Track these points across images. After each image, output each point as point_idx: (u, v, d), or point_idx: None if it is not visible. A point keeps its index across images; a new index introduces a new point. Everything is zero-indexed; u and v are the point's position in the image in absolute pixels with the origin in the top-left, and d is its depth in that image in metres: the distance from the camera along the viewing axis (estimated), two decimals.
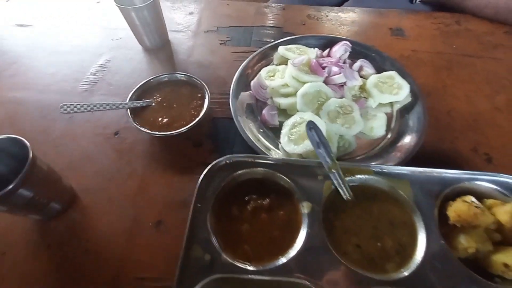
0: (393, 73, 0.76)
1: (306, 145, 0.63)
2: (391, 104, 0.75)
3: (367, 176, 0.57)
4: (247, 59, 0.81)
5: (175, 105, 0.72)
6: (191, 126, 0.67)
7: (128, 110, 0.69)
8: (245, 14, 1.01)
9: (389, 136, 0.70)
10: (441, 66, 0.85)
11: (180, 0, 1.06)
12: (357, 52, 0.83)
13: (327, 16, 1.01)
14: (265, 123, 0.73)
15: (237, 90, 0.76)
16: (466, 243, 0.50)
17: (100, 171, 0.65)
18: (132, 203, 0.61)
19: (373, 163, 0.63)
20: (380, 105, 0.75)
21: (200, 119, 0.68)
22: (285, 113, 0.73)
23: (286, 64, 0.77)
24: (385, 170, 0.57)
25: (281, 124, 0.69)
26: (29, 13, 1.03)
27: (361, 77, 0.78)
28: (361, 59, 0.80)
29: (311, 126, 0.58)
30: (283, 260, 0.49)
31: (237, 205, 0.55)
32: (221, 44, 0.92)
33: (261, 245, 0.52)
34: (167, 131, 0.66)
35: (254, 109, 0.75)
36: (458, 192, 0.56)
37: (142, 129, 0.67)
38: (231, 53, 0.89)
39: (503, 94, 0.79)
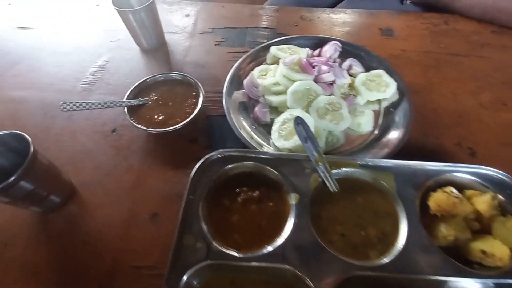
0: (380, 72, 0.79)
1: (295, 140, 0.65)
2: (379, 101, 0.78)
3: (352, 169, 0.60)
4: (240, 59, 0.84)
5: (170, 103, 0.75)
6: (185, 123, 0.70)
7: (125, 108, 0.72)
8: (240, 16, 1.04)
9: (376, 132, 0.73)
10: (429, 64, 0.88)
11: (177, 2, 1.09)
12: (347, 51, 0.86)
13: (319, 17, 1.04)
14: (257, 120, 0.76)
15: (231, 89, 0.79)
16: (445, 232, 0.53)
17: (98, 166, 0.68)
18: (129, 196, 0.63)
19: (358, 157, 0.65)
20: (368, 102, 0.77)
21: (194, 116, 0.71)
22: (276, 110, 0.76)
23: (278, 64, 0.80)
24: (369, 163, 0.60)
25: (272, 121, 0.72)
26: (30, 15, 1.06)
27: (350, 75, 0.80)
28: (350, 58, 0.83)
29: (299, 121, 0.60)
30: (270, 248, 0.51)
31: (228, 197, 0.58)
32: (216, 45, 0.95)
33: (250, 234, 0.54)
34: (162, 128, 0.69)
35: (247, 107, 0.78)
36: (439, 183, 0.58)
37: (139, 126, 0.69)
38: (226, 54, 0.92)
39: (488, 92, 0.81)
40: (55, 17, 1.06)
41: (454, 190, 0.56)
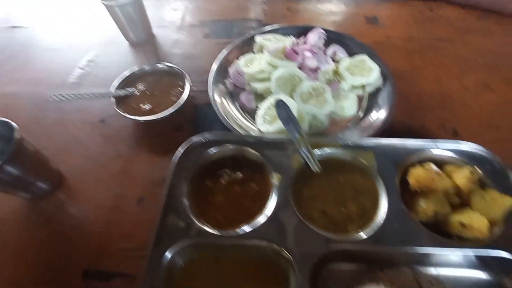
0: (364, 57, 0.80)
1: (279, 125, 0.66)
2: (363, 86, 0.79)
3: (334, 149, 0.61)
4: (226, 49, 0.85)
5: (157, 93, 0.76)
6: (171, 111, 0.71)
7: (113, 98, 0.74)
8: (228, 8, 1.06)
9: (360, 115, 0.74)
10: (413, 50, 0.89)
11: None
12: (332, 39, 0.87)
13: (305, 8, 1.05)
14: (243, 107, 0.77)
15: (217, 78, 0.80)
16: (425, 206, 0.53)
17: (87, 155, 0.69)
18: (116, 182, 0.65)
19: (340, 137, 0.66)
20: (353, 87, 0.78)
21: (180, 105, 0.72)
22: (262, 97, 0.77)
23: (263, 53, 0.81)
24: (350, 143, 0.61)
25: (258, 108, 0.73)
26: (22, 13, 1.08)
27: (335, 62, 0.82)
28: (334, 45, 0.84)
29: (280, 104, 0.61)
30: (253, 226, 0.52)
31: (212, 179, 0.59)
32: (204, 37, 0.96)
33: (233, 214, 0.55)
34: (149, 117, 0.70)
35: (233, 94, 0.79)
36: (419, 160, 0.59)
37: (126, 115, 0.71)
38: (214, 45, 0.93)
39: (472, 75, 0.82)
40: (45, 15, 1.08)
41: (433, 166, 0.57)
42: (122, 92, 0.75)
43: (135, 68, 0.79)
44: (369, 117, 0.72)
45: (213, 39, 0.95)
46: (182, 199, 0.55)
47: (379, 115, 0.71)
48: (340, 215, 0.54)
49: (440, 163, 0.59)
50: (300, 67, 0.78)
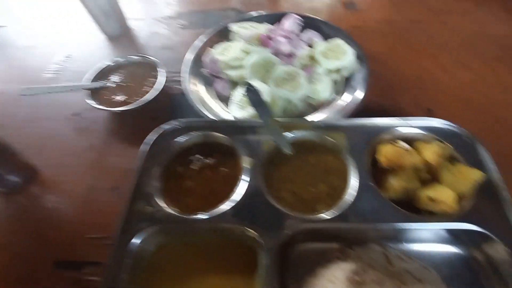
0: (339, 41, 0.79)
1: (252, 110, 0.66)
2: (339, 70, 0.78)
3: (305, 131, 0.61)
4: (201, 38, 0.85)
5: (131, 84, 0.76)
6: (145, 101, 0.71)
7: (87, 91, 0.73)
8: None
9: (334, 98, 0.73)
10: (390, 33, 0.89)
11: None
12: (308, 25, 0.86)
13: None
14: (218, 95, 0.77)
15: (192, 67, 0.79)
16: (395, 183, 0.53)
17: (60, 147, 0.69)
18: (90, 174, 0.65)
19: (312, 119, 0.66)
20: (329, 72, 0.78)
21: (154, 95, 0.72)
22: (237, 84, 0.76)
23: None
24: (321, 124, 0.61)
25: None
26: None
27: (310, 47, 0.81)
28: (309, 30, 0.84)
29: (249, 88, 0.61)
30: (223, 209, 0.52)
31: (183, 165, 0.59)
32: (181, 28, 0.96)
33: (204, 199, 0.55)
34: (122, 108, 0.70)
35: (209, 83, 0.79)
36: (390, 138, 0.59)
37: (99, 107, 0.70)
38: (191, 36, 0.92)
39: (448, 54, 0.82)
40: (21, 15, 1.07)
41: (402, 142, 0.57)
42: (94, 85, 0.74)
43: (109, 60, 0.79)
44: (343, 99, 0.71)
45: (190, 30, 0.95)
46: (151, 186, 0.54)
47: (353, 97, 0.71)
48: (310, 195, 0.54)
49: (411, 140, 0.59)
50: (275, 53, 0.77)
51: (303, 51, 0.78)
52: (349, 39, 0.80)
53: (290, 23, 0.84)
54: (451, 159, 0.56)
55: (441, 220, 0.50)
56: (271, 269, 0.46)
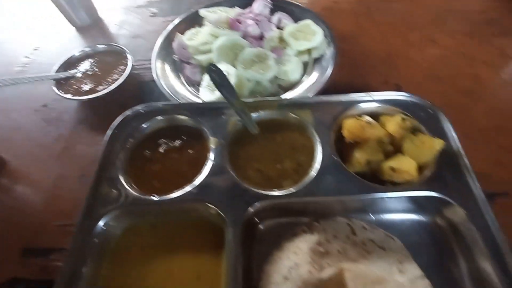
0: (308, 22, 0.79)
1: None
2: (309, 51, 0.78)
3: (271, 110, 0.61)
4: (170, 26, 0.84)
5: (99, 73, 0.75)
6: (111, 88, 0.70)
7: (54, 82, 0.72)
8: None
9: (304, 79, 0.74)
10: (360, 12, 0.89)
11: None
12: (278, 7, 0.86)
13: None
14: (188, 80, 0.76)
15: (161, 54, 0.79)
16: (358, 156, 0.54)
17: (29, 138, 0.68)
18: (58, 162, 0.64)
19: (276, 98, 0.66)
20: (299, 53, 0.78)
21: (122, 81, 0.71)
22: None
23: None
24: (287, 102, 0.61)
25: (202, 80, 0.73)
26: None
27: (280, 29, 0.81)
28: (279, 12, 0.83)
29: (212, 69, 0.60)
30: (188, 189, 0.52)
31: (150, 148, 0.59)
32: (151, 16, 0.95)
33: (170, 180, 0.55)
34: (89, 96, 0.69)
35: (179, 69, 0.78)
36: (355, 113, 0.59)
37: (66, 96, 0.70)
38: (161, 23, 0.92)
39: (417, 31, 0.82)
40: None
41: (365, 116, 0.57)
42: (61, 75, 0.73)
43: (76, 51, 0.78)
44: (312, 78, 0.72)
45: (160, 18, 0.94)
46: (116, 170, 0.54)
47: (321, 76, 0.71)
48: (276, 172, 0.55)
49: (376, 114, 0.59)
50: (244, 36, 0.77)
51: (272, 33, 0.78)
52: (319, 20, 0.80)
53: (259, 6, 0.83)
54: (414, 131, 0.56)
55: (404, 189, 0.51)
56: (236, 245, 0.46)
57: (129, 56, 0.75)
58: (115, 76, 0.73)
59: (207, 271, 0.48)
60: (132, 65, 0.74)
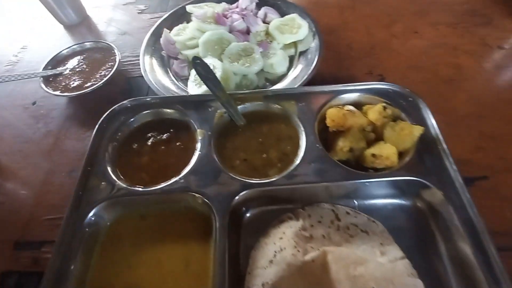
0: (294, 15, 0.81)
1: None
2: (295, 44, 0.79)
3: (257, 102, 0.62)
4: (158, 21, 0.84)
5: (87, 69, 0.76)
6: (99, 84, 0.71)
7: (42, 79, 0.73)
8: None
9: (290, 72, 0.75)
10: (345, 6, 0.90)
11: None
12: (264, 2, 0.87)
13: None
14: (176, 75, 0.77)
15: (149, 50, 0.79)
16: (342, 144, 0.55)
17: (18, 135, 0.69)
18: (47, 158, 0.65)
19: (262, 90, 0.68)
20: (285, 47, 0.79)
21: (110, 77, 0.72)
22: None
23: None
24: (272, 94, 0.62)
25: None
26: None
27: (267, 23, 0.82)
28: (265, 7, 0.84)
29: (197, 61, 0.61)
30: (175, 179, 0.53)
31: (138, 142, 0.60)
32: (138, 13, 0.95)
33: (158, 172, 0.56)
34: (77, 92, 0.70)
35: (166, 64, 0.79)
36: (339, 104, 0.61)
37: (55, 93, 0.70)
38: (148, 20, 0.93)
39: (400, 23, 0.84)
40: None
41: (348, 106, 0.58)
42: (50, 72, 0.74)
43: (63, 48, 0.78)
44: (298, 71, 0.73)
45: (147, 14, 0.94)
46: (104, 163, 0.55)
47: (307, 69, 0.72)
48: (262, 161, 0.56)
49: (358, 104, 0.61)
50: (230, 31, 0.78)
51: (258, 28, 0.79)
52: (304, 14, 0.81)
53: (245, 1, 0.84)
54: (395, 118, 0.58)
55: (385, 175, 0.52)
56: (223, 233, 0.48)
57: (117, 53, 0.76)
58: (103, 73, 0.74)
59: (196, 258, 0.50)
60: (120, 61, 0.75)
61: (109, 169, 0.55)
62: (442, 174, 0.51)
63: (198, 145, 0.57)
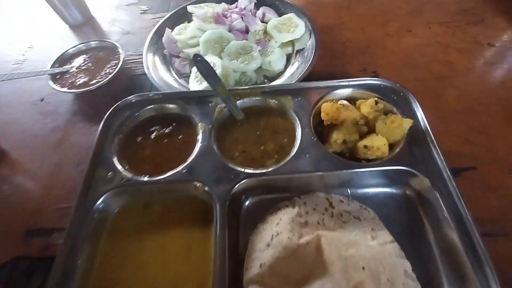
0: (291, 15, 0.84)
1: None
2: (292, 43, 0.82)
3: (255, 97, 0.65)
4: (160, 21, 0.87)
5: (92, 67, 0.79)
6: (104, 81, 0.74)
7: (50, 76, 0.76)
8: None
9: (287, 69, 0.78)
10: (341, 5, 0.93)
11: None
12: (263, 2, 0.90)
13: None
14: (178, 73, 0.80)
15: (152, 48, 0.83)
16: (336, 136, 0.58)
17: (26, 131, 0.72)
18: (55, 152, 0.68)
19: (259, 85, 0.70)
20: (283, 45, 0.82)
21: (114, 75, 0.75)
22: None
23: None
24: (269, 89, 0.65)
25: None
26: None
27: (265, 22, 0.85)
28: (263, 7, 0.87)
29: (197, 58, 0.64)
30: (177, 170, 0.56)
31: (142, 135, 0.62)
32: (141, 13, 0.99)
33: (161, 164, 0.59)
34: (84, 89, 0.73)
35: (169, 62, 0.82)
36: (333, 98, 0.64)
37: (62, 90, 0.73)
38: (150, 20, 0.96)
39: (395, 22, 0.87)
40: None
41: (342, 100, 0.61)
42: (57, 70, 0.77)
43: (69, 47, 0.82)
44: (294, 68, 0.76)
45: (150, 14, 0.98)
46: (111, 154, 0.58)
47: (303, 66, 0.75)
48: (259, 152, 0.59)
49: (352, 99, 0.64)
50: (230, 30, 0.81)
51: (257, 27, 0.82)
52: (301, 13, 0.85)
53: (244, 1, 0.88)
54: (387, 112, 0.61)
55: (376, 165, 0.55)
56: (223, 220, 0.50)
57: (121, 51, 0.79)
58: (108, 70, 0.77)
59: (197, 244, 0.53)
60: (124, 59, 0.78)
61: (115, 160, 0.58)
62: (429, 163, 0.54)
63: (199, 138, 0.60)
